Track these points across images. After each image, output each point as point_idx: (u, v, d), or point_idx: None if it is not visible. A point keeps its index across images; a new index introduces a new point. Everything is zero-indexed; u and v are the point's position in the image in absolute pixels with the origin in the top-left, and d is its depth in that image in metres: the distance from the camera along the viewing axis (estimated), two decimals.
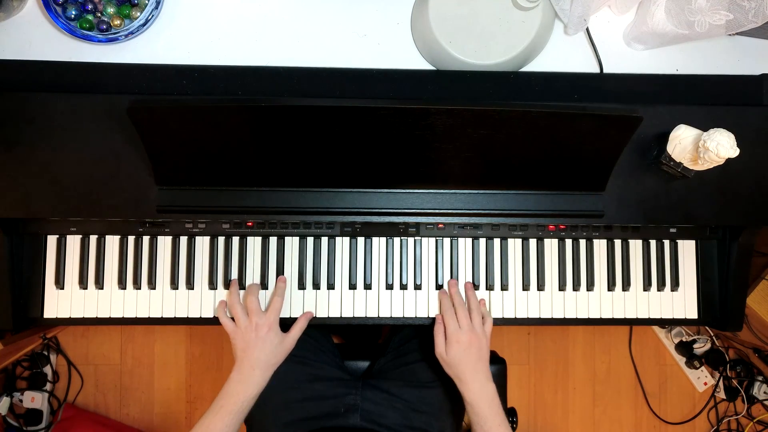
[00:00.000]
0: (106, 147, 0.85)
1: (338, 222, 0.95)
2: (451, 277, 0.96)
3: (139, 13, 0.90)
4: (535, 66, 0.95)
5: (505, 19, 0.87)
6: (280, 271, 0.95)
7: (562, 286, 0.97)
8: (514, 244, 0.97)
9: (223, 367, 1.79)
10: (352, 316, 0.96)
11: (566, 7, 0.88)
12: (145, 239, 0.95)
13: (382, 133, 0.79)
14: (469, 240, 0.97)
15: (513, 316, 0.97)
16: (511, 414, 1.24)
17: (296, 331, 0.91)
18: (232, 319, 0.90)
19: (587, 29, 0.94)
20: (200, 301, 0.95)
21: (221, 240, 0.95)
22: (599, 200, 0.89)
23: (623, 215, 0.90)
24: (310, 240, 0.96)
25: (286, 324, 0.92)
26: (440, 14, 0.87)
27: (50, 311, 0.94)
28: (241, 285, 0.95)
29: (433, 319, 0.94)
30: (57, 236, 0.94)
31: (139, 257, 0.94)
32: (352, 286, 0.96)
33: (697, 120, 0.84)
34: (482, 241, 0.97)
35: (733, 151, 0.74)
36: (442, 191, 0.88)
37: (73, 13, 0.89)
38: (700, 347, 1.83)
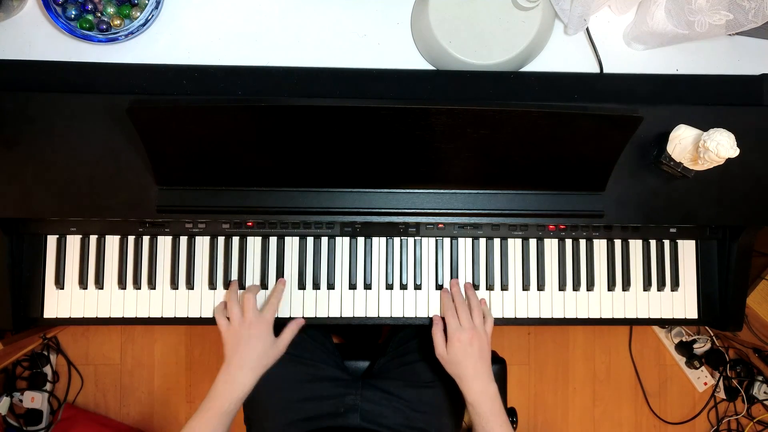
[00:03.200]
0: (106, 147, 0.85)
1: (338, 222, 0.95)
2: (452, 277, 0.96)
3: (139, 13, 0.90)
4: (535, 66, 0.95)
5: (505, 19, 0.87)
6: (279, 271, 0.95)
7: (562, 286, 0.97)
8: (514, 244, 0.97)
9: None
10: (352, 316, 0.96)
11: (566, 7, 0.88)
12: (145, 239, 0.95)
13: (383, 133, 0.79)
14: (469, 240, 0.97)
15: (513, 316, 0.97)
16: (511, 414, 1.24)
17: (287, 335, 0.90)
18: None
19: (587, 29, 0.94)
20: (200, 301, 0.95)
21: (221, 240, 0.95)
22: (599, 200, 0.89)
23: (623, 215, 0.90)
24: (310, 240, 0.96)
25: (282, 324, 0.92)
26: (440, 14, 0.87)
27: (50, 311, 0.94)
28: (241, 285, 0.95)
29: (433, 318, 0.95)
30: (57, 236, 0.94)
31: (139, 257, 0.94)
32: (352, 286, 0.96)
33: (697, 120, 0.84)
34: (482, 241, 0.97)
35: (733, 151, 0.74)
36: (442, 191, 0.88)
37: (73, 13, 0.89)
38: (700, 347, 1.83)
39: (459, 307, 0.90)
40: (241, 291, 0.93)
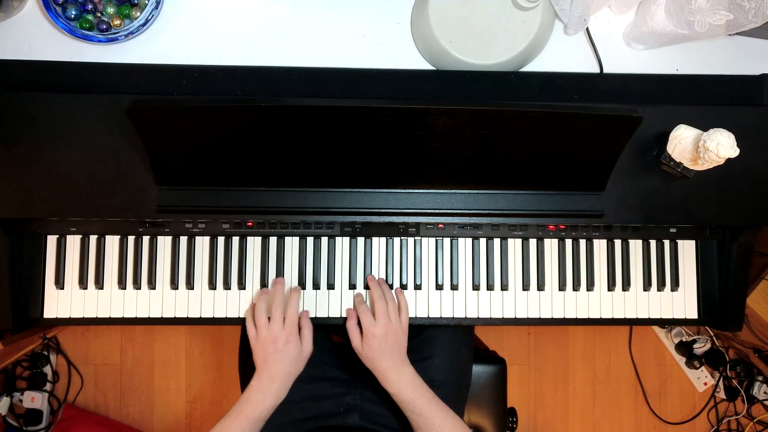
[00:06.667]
0: (106, 147, 0.85)
1: (338, 222, 0.95)
2: (451, 277, 0.96)
3: (139, 13, 0.90)
4: (535, 66, 0.95)
5: (505, 19, 0.87)
6: (279, 271, 0.95)
7: (562, 286, 0.97)
8: (514, 244, 0.97)
9: (223, 366, 1.79)
10: None
11: (566, 7, 0.88)
12: (145, 239, 0.95)
13: (382, 133, 0.79)
14: (469, 240, 0.97)
15: (513, 316, 0.97)
16: (511, 414, 1.24)
17: (308, 335, 0.90)
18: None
19: (587, 29, 0.94)
20: (200, 301, 0.95)
21: (221, 240, 0.95)
22: (599, 200, 0.89)
23: (623, 215, 0.90)
24: (310, 240, 0.96)
25: None
26: (440, 14, 0.87)
27: (50, 311, 0.94)
28: (241, 285, 0.95)
29: (434, 319, 0.95)
30: (57, 236, 0.94)
31: (139, 257, 0.94)
32: (352, 286, 0.96)
33: (697, 120, 0.84)
34: (482, 241, 0.97)
35: (733, 151, 0.74)
36: (442, 191, 0.88)
37: (73, 13, 0.89)
38: (700, 347, 1.83)
39: (376, 302, 0.90)
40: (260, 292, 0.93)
